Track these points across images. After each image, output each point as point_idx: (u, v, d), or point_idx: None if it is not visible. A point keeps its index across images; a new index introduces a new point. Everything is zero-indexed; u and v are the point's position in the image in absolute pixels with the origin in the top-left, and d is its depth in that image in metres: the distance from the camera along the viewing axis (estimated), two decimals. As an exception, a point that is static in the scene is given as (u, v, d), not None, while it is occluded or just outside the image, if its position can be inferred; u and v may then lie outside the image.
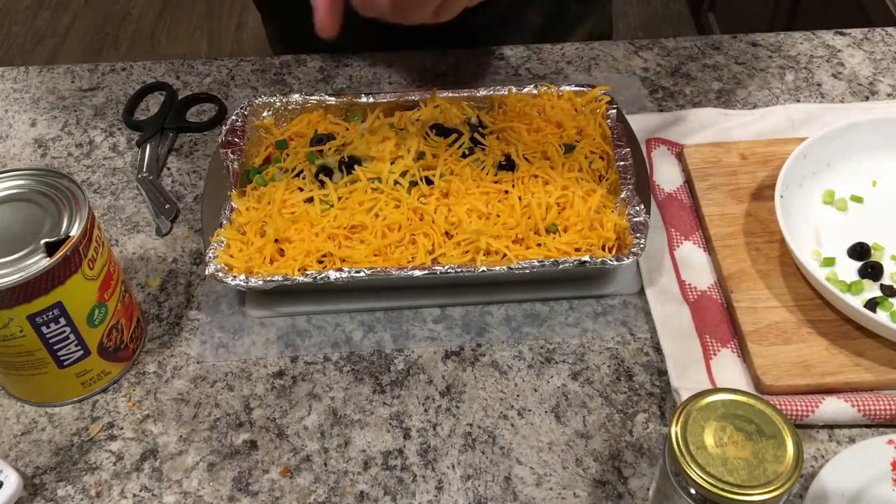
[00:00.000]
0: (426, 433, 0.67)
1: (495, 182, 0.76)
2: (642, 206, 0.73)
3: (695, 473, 0.50)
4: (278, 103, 0.84)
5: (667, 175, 0.83)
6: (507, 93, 0.84)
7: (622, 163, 0.77)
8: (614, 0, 1.12)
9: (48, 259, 0.60)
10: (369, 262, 0.71)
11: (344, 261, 0.71)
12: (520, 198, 0.75)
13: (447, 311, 0.75)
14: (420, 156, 0.78)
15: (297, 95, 0.84)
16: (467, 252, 0.72)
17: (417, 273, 0.69)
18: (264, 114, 0.84)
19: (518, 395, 0.69)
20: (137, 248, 0.80)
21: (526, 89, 0.84)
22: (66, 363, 0.66)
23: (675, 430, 0.51)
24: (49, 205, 0.63)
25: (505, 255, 0.71)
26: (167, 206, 0.83)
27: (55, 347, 0.64)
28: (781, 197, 0.74)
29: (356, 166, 0.77)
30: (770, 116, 0.88)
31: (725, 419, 0.52)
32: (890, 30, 1.00)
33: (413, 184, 0.76)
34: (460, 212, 0.73)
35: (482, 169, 0.77)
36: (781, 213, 0.72)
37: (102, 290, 0.65)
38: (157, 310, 0.76)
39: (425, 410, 0.68)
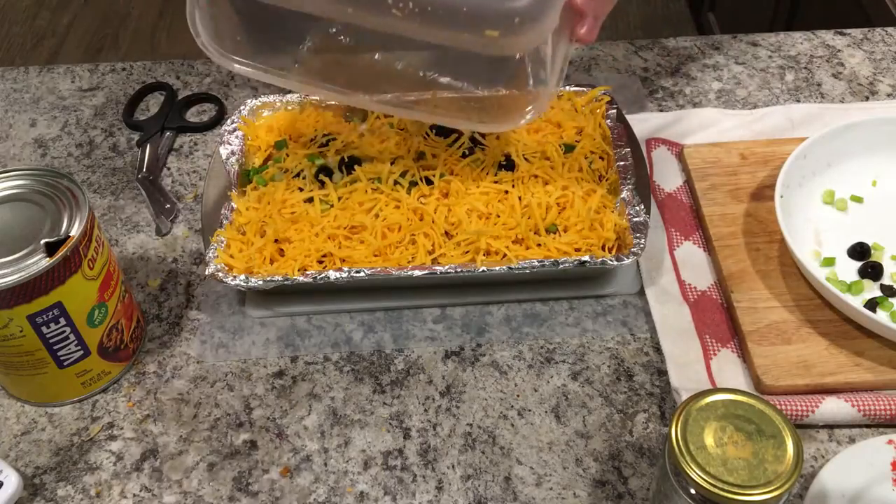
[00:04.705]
0: (426, 433, 0.67)
1: (495, 182, 0.76)
2: (642, 206, 0.73)
3: (695, 473, 0.50)
4: (278, 103, 0.84)
5: (667, 175, 0.83)
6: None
7: (622, 163, 0.77)
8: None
9: (48, 259, 0.60)
10: (369, 262, 0.71)
11: (344, 261, 0.71)
12: (520, 198, 0.74)
13: (447, 311, 0.75)
14: (420, 156, 0.78)
15: (296, 95, 0.84)
16: (467, 252, 0.71)
17: (417, 273, 0.69)
18: (264, 114, 0.84)
19: (518, 395, 0.69)
20: (137, 248, 0.80)
21: (526, 89, 0.84)
22: (66, 363, 0.66)
23: (675, 430, 0.51)
24: (49, 205, 0.63)
25: (505, 255, 0.71)
26: (167, 206, 0.83)
27: (55, 347, 0.64)
28: (781, 197, 0.74)
29: (356, 166, 0.77)
30: (770, 116, 0.88)
31: (725, 419, 0.52)
32: (890, 30, 1.00)
33: (413, 184, 0.76)
34: (460, 212, 0.73)
35: (482, 169, 0.77)
36: (781, 213, 0.72)
37: (102, 290, 0.65)
38: (157, 310, 0.76)
39: (425, 410, 0.68)
